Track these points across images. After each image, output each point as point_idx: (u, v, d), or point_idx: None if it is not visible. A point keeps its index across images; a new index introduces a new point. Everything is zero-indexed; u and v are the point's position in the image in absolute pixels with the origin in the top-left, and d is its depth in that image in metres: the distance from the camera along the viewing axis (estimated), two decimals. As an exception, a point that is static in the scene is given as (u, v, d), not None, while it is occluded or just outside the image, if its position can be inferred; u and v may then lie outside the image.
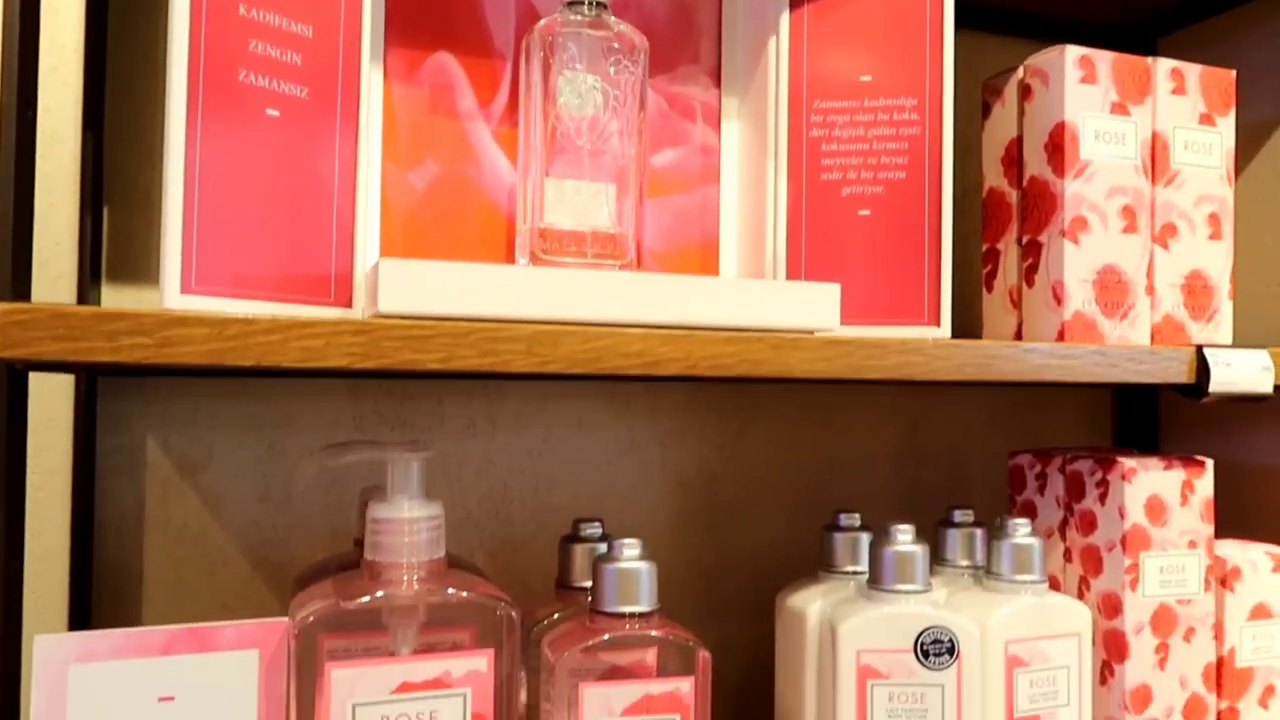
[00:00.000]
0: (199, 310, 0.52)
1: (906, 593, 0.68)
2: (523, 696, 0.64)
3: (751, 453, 0.94)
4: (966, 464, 1.00)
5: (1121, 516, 0.74)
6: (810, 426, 0.96)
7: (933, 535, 0.82)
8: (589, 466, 0.89)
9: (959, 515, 0.80)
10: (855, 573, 0.76)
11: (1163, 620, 0.74)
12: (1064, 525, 0.80)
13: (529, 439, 0.87)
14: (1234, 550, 0.81)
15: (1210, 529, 0.76)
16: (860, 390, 0.97)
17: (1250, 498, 0.95)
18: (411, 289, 0.55)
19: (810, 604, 0.74)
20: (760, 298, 0.63)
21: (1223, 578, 0.80)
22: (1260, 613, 0.81)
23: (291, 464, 0.82)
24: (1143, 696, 0.74)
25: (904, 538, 0.69)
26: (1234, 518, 0.91)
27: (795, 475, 0.95)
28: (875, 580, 0.69)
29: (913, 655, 0.67)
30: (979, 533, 0.79)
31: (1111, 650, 0.75)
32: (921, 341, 0.65)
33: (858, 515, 0.78)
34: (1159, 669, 0.74)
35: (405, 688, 0.56)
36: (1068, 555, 0.79)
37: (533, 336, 0.56)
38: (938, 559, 0.81)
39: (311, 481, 0.82)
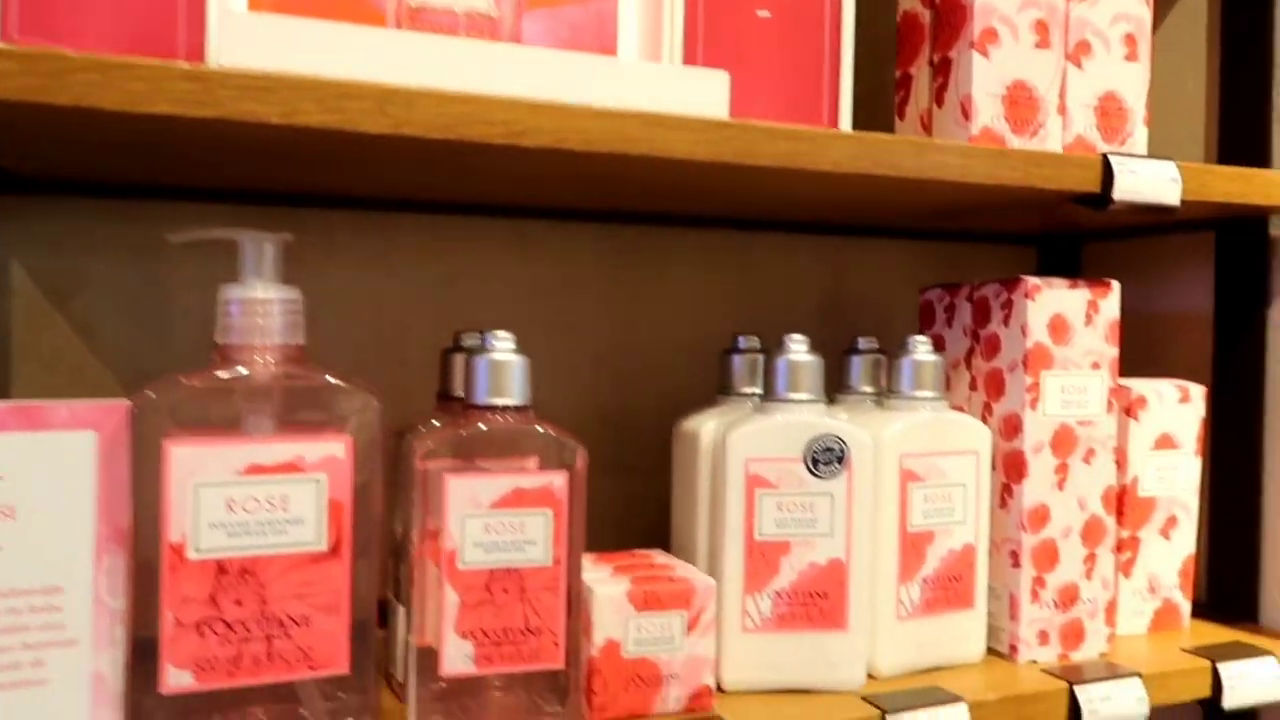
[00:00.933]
0: (7, 46, 0.47)
1: (797, 402, 0.66)
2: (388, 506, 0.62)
3: (665, 299, 0.91)
4: (886, 312, 0.97)
5: (1024, 335, 0.72)
6: (727, 272, 0.93)
7: (838, 364, 0.81)
8: (490, 308, 0.86)
9: (864, 343, 0.78)
10: (753, 394, 0.74)
11: (1063, 441, 0.73)
12: (970, 354, 0.78)
13: (425, 278, 0.84)
14: (1142, 382, 0.80)
15: (1114, 351, 0.74)
16: (778, 238, 0.95)
17: (1167, 347, 0.94)
18: (253, 41, 0.51)
19: (705, 424, 0.72)
20: (642, 79, 0.60)
21: (1128, 406, 0.79)
22: (1165, 443, 0.80)
23: (170, 293, 0.78)
24: (1040, 516, 0.73)
25: (797, 348, 0.67)
26: (1150, 366, 0.90)
27: (710, 323, 0.93)
28: (768, 392, 0.67)
29: (802, 464, 0.65)
30: (883, 359, 0.77)
31: (1010, 471, 0.73)
32: (813, 131, 0.62)
33: (756, 338, 0.76)
34: (1057, 489, 0.73)
35: (254, 470, 0.53)
36: (973, 384, 0.77)
37: (384, 94, 0.52)
38: (842, 386, 0.79)
39: (194, 311, 0.78)
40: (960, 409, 0.78)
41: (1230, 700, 0.73)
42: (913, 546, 0.69)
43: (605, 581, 0.62)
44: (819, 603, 0.66)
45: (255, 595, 0.53)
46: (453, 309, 0.84)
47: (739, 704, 0.64)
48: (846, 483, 0.66)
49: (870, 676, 0.69)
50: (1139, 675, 0.71)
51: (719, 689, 0.65)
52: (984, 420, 0.76)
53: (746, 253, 0.94)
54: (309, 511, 0.54)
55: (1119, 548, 0.80)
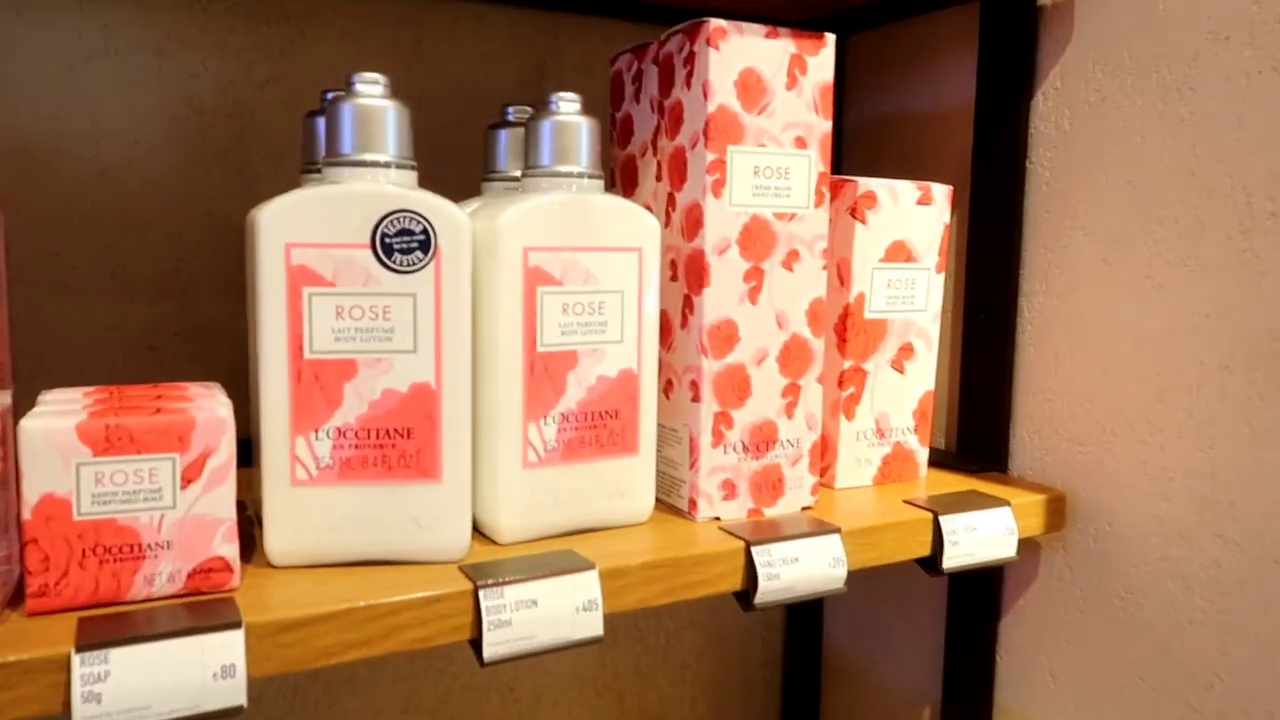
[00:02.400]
0: None
1: (362, 164, 0.47)
2: None
3: (303, 73, 0.70)
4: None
5: (706, 97, 0.55)
6: (396, 47, 0.73)
7: (482, 142, 0.62)
8: (39, 75, 0.63)
9: (515, 112, 0.59)
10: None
11: (756, 239, 0.57)
12: (656, 134, 0.60)
13: None
14: (871, 180, 0.64)
15: (827, 126, 0.58)
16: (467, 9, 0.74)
17: (931, 152, 0.79)
18: None
19: (263, 209, 0.52)
20: None
21: (852, 206, 0.63)
22: (898, 253, 0.65)
23: None
24: (725, 335, 0.57)
25: (371, 90, 0.48)
26: (917, 170, 0.75)
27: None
28: (330, 154, 0.48)
29: (370, 251, 0.47)
30: (537, 135, 0.59)
31: (691, 279, 0.57)
32: None
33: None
34: (749, 301, 0.57)
35: None
36: (659, 173, 0.60)
37: None
38: (486, 171, 0.61)
39: None
40: (648, 208, 0.61)
41: (952, 560, 0.60)
42: (546, 372, 0.52)
43: (54, 414, 0.43)
44: (399, 443, 0.48)
45: None
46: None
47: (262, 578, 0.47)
48: (434, 278, 0.48)
49: (489, 541, 0.53)
50: (837, 531, 0.56)
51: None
52: (666, 219, 0.59)
53: (418, 27, 0.74)
54: None
55: (840, 382, 0.65)
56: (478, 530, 0.54)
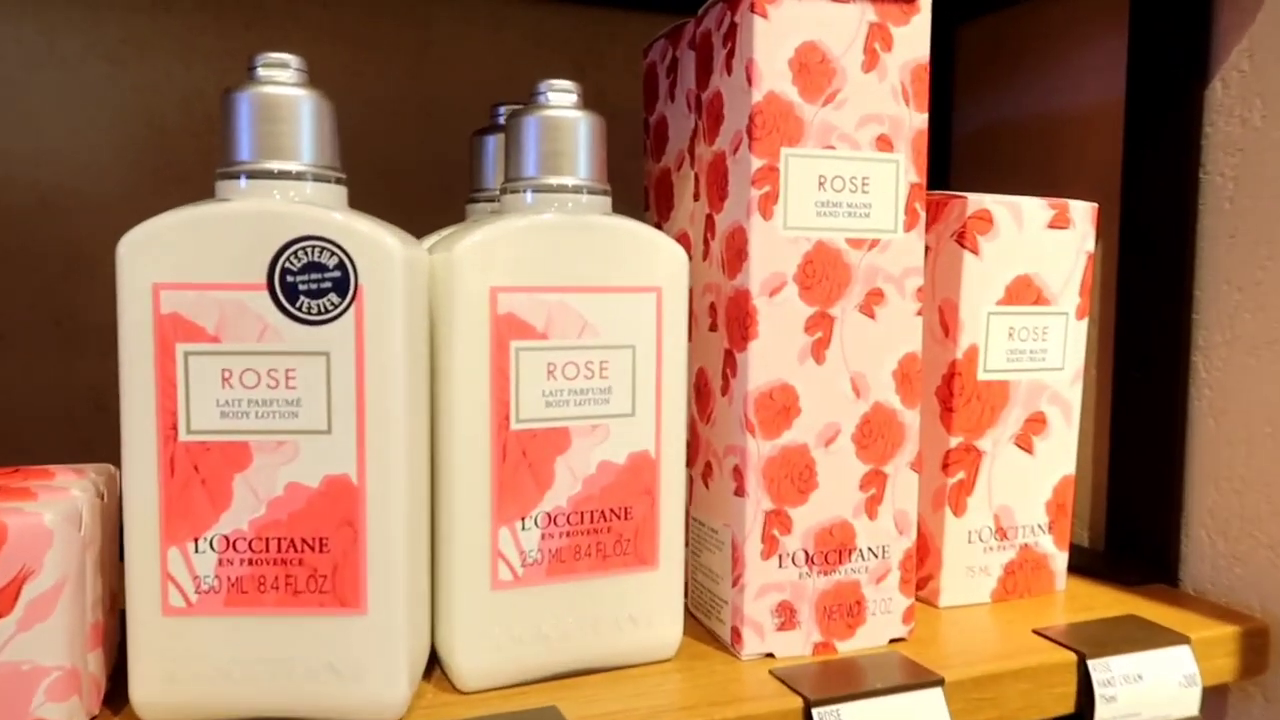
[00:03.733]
0: None
1: (262, 175, 0.35)
2: None
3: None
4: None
5: (750, 82, 0.40)
6: (400, 49, 0.61)
7: (468, 154, 0.49)
8: (-21, 90, 0.54)
9: (506, 113, 0.46)
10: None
11: (822, 274, 0.41)
12: (694, 137, 0.46)
13: None
14: (989, 196, 0.48)
15: (922, 121, 0.42)
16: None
17: (1070, 157, 0.62)
18: None
19: (125, 236, 0.40)
20: None
21: (960, 231, 0.47)
22: (1024, 293, 0.49)
23: None
24: (780, 406, 0.41)
25: (276, 74, 0.35)
26: (1049, 186, 0.58)
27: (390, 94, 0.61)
28: (222, 164, 0.36)
29: (267, 294, 0.34)
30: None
31: (734, 329, 0.42)
32: None
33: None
34: (813, 360, 0.42)
35: None
36: (696, 189, 0.46)
37: None
38: (471, 190, 0.48)
39: None
40: (687, 236, 0.47)
41: (1107, 717, 0.43)
42: (524, 457, 0.38)
43: None
44: (309, 558, 0.35)
45: None
46: None
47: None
48: (355, 329, 0.34)
49: (450, 689, 0.39)
50: (939, 684, 0.40)
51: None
52: (705, 250, 0.44)
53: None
54: None
55: (945, 465, 0.49)
56: (437, 665, 0.40)
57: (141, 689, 0.35)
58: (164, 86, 0.57)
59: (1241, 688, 0.51)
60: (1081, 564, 0.54)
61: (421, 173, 0.60)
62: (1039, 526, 0.51)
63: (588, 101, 0.40)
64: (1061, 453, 0.51)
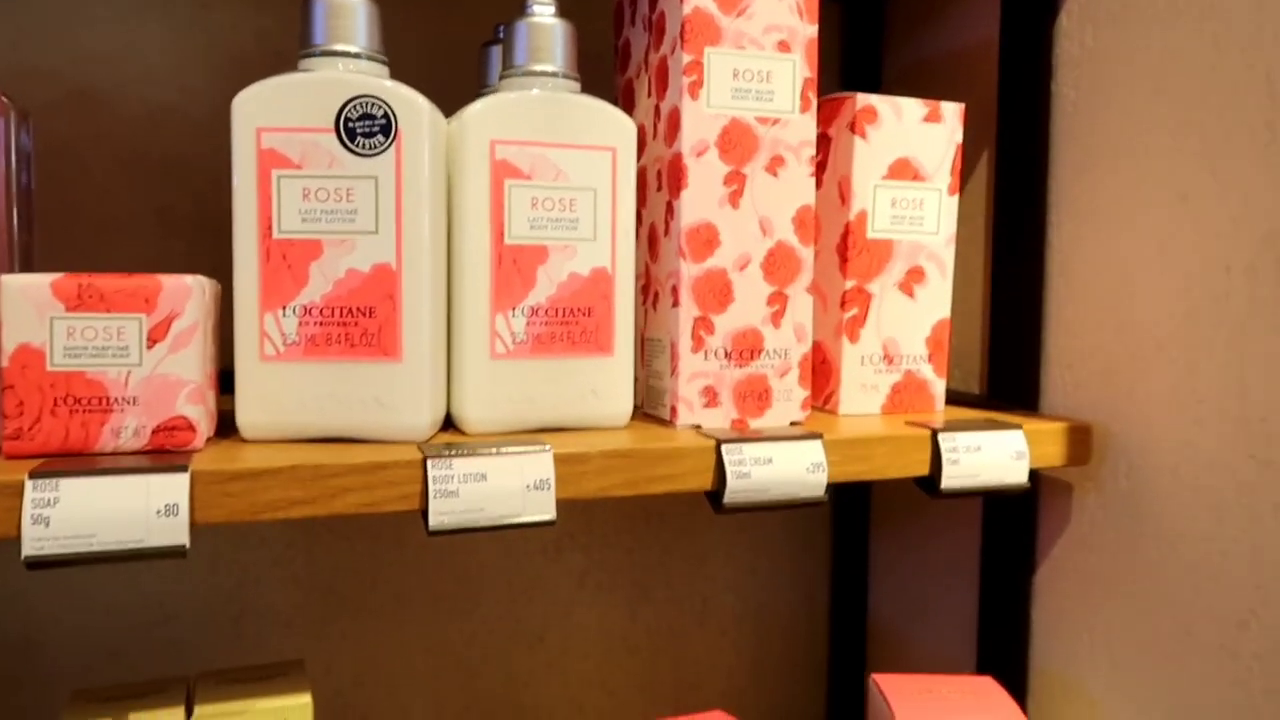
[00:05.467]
0: None
1: (331, 54, 0.50)
2: None
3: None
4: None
5: (680, 2, 0.55)
6: None
7: (476, 60, 0.64)
8: (98, 25, 0.69)
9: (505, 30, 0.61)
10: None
11: (736, 142, 0.56)
12: (647, 50, 0.61)
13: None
14: (874, 95, 0.63)
15: (812, 30, 0.57)
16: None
17: (965, 85, 0.76)
18: None
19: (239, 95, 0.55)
20: None
21: (852, 120, 0.62)
22: (903, 171, 0.63)
23: None
24: (704, 238, 0.56)
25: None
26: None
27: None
28: (302, 46, 0.51)
29: (334, 135, 0.49)
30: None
31: (671, 183, 0.57)
32: None
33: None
34: (729, 205, 0.56)
35: None
36: (649, 88, 0.60)
37: None
38: (480, 88, 0.63)
39: None
40: (643, 127, 0.61)
41: (952, 479, 0.57)
42: (515, 265, 0.53)
43: (37, 274, 0.46)
44: (362, 321, 0.50)
45: None
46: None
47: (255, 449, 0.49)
48: (394, 161, 0.49)
49: (460, 433, 0.54)
50: (819, 437, 0.54)
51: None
52: (654, 131, 0.59)
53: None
54: None
55: (843, 303, 0.63)
56: (452, 424, 0.55)
57: (245, 415, 0.50)
58: (241, 26, 0.72)
59: (1080, 484, 0.65)
60: (966, 401, 0.69)
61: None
62: (920, 357, 0.65)
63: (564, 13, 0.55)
64: (938, 300, 0.65)
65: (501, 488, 0.48)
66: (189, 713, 0.52)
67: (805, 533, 0.91)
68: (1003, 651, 0.70)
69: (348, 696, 0.79)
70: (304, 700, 0.54)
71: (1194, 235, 0.57)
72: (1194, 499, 0.58)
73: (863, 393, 0.64)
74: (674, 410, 0.57)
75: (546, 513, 0.49)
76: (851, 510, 0.88)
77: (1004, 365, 0.70)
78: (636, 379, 0.61)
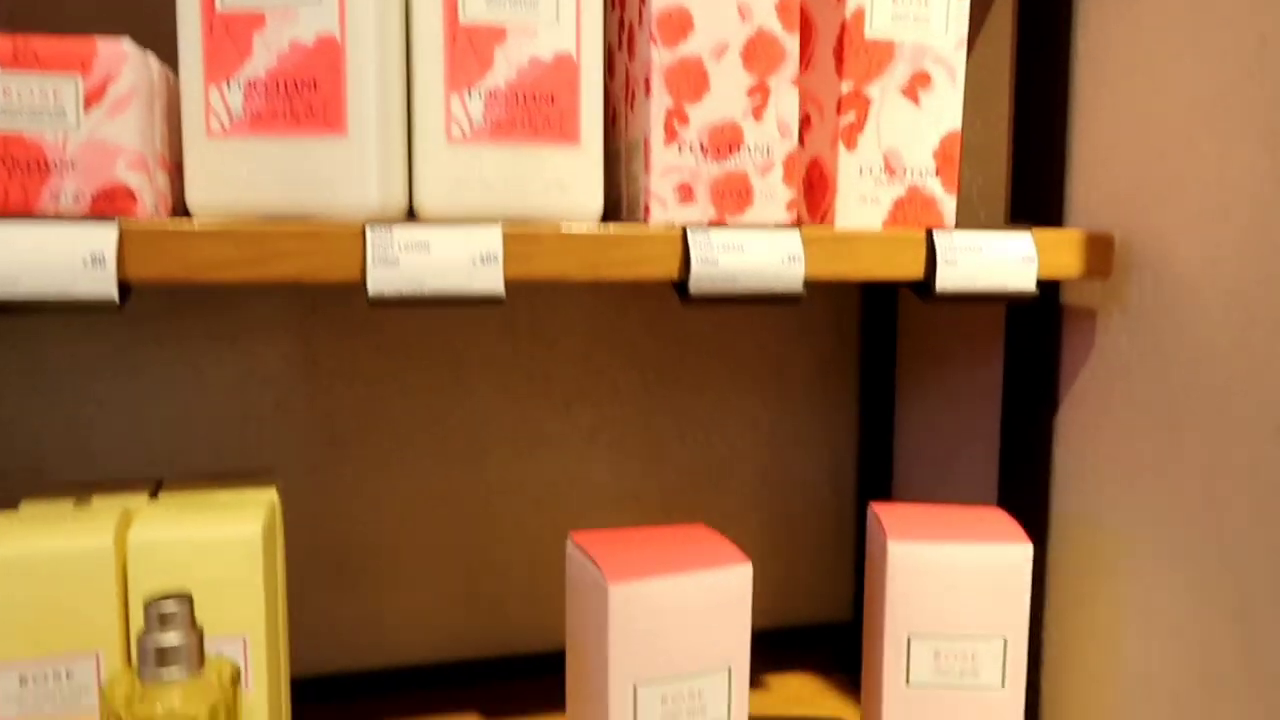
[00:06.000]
0: None
1: None
2: None
3: None
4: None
5: None
6: None
7: None
8: None
9: None
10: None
11: (711, -84, 0.52)
12: None
13: None
14: (879, -117, 0.58)
15: None
16: None
17: None
18: None
19: None
20: None
21: (848, -94, 0.57)
22: (906, -37, 0.58)
23: None
24: (676, 23, 0.52)
25: None
26: None
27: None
28: None
29: (274, -103, 0.47)
30: None
31: (643, -34, 0.53)
32: None
33: None
34: (704, -14, 0.53)
35: None
36: (630, -120, 0.57)
37: None
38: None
39: None
40: (617, -80, 0.58)
41: (948, 281, 0.53)
42: (470, 44, 0.50)
43: (-22, 39, 0.46)
44: (306, 95, 0.48)
45: None
46: None
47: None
48: (338, -75, 0.47)
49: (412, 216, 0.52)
50: (796, 228, 0.51)
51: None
52: (631, -82, 0.56)
53: None
54: None
55: (839, 108, 0.59)
56: (414, 216, 0.53)
57: (194, 194, 0.49)
58: None
59: (1103, 305, 0.60)
60: (986, 224, 0.64)
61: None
62: (926, 170, 0.60)
63: None
64: (947, 109, 0.60)
65: (446, 259, 0.46)
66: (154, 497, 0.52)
67: (829, 392, 0.87)
68: (1023, 493, 0.66)
69: (336, 533, 0.78)
70: (270, 496, 0.53)
71: (1226, 6, 0.51)
72: (1222, 304, 0.52)
73: (861, 205, 0.60)
74: (647, 209, 0.54)
75: (494, 286, 0.47)
76: (877, 370, 0.84)
77: (1028, 185, 0.65)
78: (620, 189, 0.58)
